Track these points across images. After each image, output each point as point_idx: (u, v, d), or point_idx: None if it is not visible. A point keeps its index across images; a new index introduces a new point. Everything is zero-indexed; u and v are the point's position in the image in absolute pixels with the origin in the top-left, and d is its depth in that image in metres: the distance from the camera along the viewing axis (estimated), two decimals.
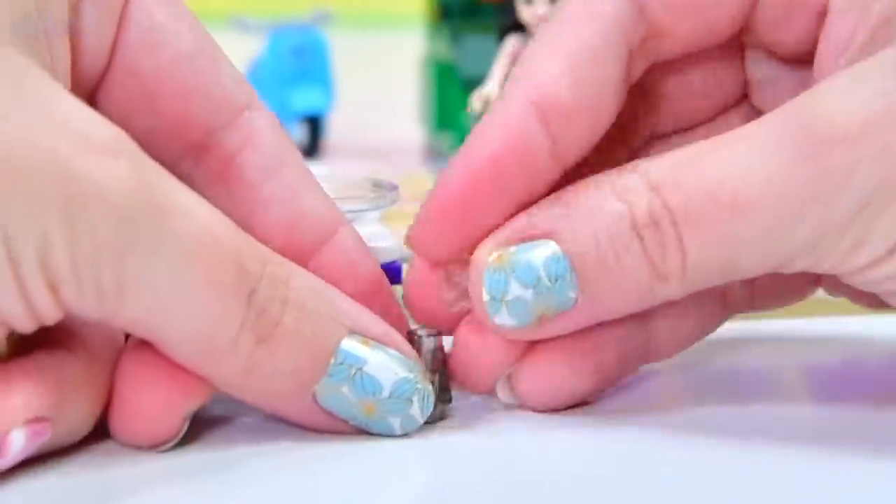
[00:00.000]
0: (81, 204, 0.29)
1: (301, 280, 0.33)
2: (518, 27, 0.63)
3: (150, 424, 0.32)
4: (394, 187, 0.41)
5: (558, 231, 0.33)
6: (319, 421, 0.33)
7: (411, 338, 0.35)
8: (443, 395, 0.35)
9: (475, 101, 0.63)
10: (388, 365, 0.33)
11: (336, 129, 0.80)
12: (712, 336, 0.38)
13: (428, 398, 0.34)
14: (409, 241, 0.35)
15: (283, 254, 0.33)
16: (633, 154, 0.38)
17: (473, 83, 0.66)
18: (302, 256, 0.35)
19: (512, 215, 0.34)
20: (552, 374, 0.35)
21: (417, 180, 0.69)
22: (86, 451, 0.33)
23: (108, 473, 0.32)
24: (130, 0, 0.34)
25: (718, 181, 0.32)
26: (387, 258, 0.40)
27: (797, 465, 0.33)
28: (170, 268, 0.30)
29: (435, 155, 0.77)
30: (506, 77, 0.62)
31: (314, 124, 0.77)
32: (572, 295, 0.33)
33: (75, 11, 0.33)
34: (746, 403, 0.38)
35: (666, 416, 0.36)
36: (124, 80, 0.34)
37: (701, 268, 0.33)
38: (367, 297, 0.35)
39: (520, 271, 0.34)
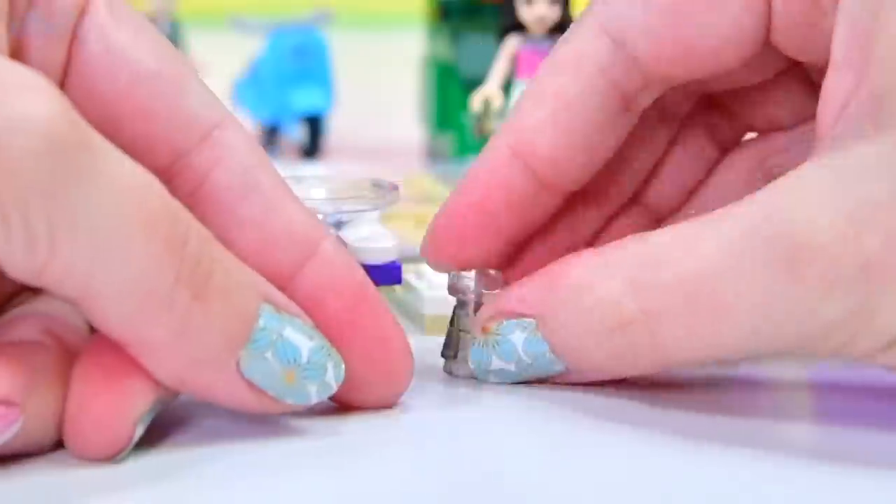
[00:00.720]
0: (2, 138, 0.28)
1: (220, 244, 0.32)
2: (518, 27, 0.63)
3: (99, 429, 0.31)
4: (394, 187, 0.41)
5: (541, 316, 0.35)
6: (241, 393, 0.32)
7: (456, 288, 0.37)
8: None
9: (475, 101, 0.63)
10: (302, 331, 0.33)
11: (336, 129, 0.80)
12: None
13: (339, 364, 0.33)
14: (424, 251, 0.38)
15: (263, 274, 0.33)
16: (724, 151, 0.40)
17: (473, 83, 0.66)
18: (283, 277, 0.34)
19: (507, 243, 0.37)
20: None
21: (417, 180, 0.69)
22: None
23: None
24: (85, 18, 0.33)
25: (694, 283, 0.33)
26: (387, 258, 0.41)
27: (796, 466, 0.33)
28: (103, 207, 0.29)
29: (435, 155, 0.77)
30: (506, 77, 0.63)
31: (314, 124, 0.77)
32: (556, 368, 0.36)
33: (20, 20, 0.32)
34: (746, 406, 0.38)
35: (661, 414, 0.36)
36: (80, 103, 0.32)
37: (678, 361, 0.34)
38: (356, 308, 0.34)
39: (500, 349, 0.36)
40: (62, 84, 0.33)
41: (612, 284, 0.34)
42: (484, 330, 0.36)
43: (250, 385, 0.32)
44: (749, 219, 0.33)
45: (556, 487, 0.32)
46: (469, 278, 0.38)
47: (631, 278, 0.34)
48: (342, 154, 0.78)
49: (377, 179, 0.41)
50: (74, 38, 0.33)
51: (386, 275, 0.40)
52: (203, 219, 0.33)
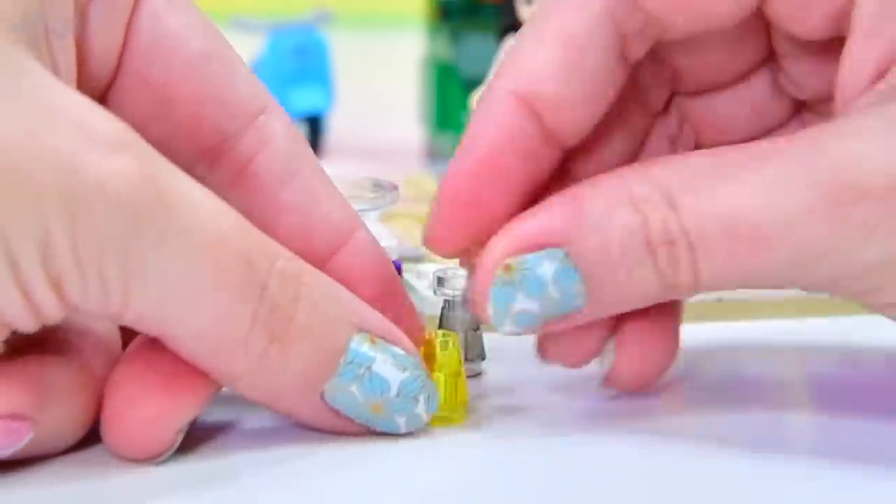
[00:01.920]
0: (83, 199, 0.29)
1: (311, 277, 0.32)
2: (518, 27, 0.63)
3: (142, 436, 0.32)
4: (394, 187, 0.41)
5: (570, 241, 0.33)
6: (325, 419, 0.33)
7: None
8: (479, 352, 0.37)
9: (475, 100, 0.63)
10: (395, 363, 0.33)
11: (336, 129, 0.80)
12: (712, 337, 0.38)
13: (433, 396, 0.34)
14: (425, 239, 0.35)
15: (301, 258, 0.33)
16: (653, 118, 0.38)
17: (473, 83, 0.66)
18: (319, 260, 0.34)
19: (520, 202, 0.34)
20: (643, 359, 0.36)
21: (417, 180, 0.69)
22: (81, 461, 0.32)
23: (103, 483, 0.32)
24: (140, 5, 0.34)
25: (738, 212, 0.32)
26: None
27: (796, 470, 0.33)
28: (175, 262, 0.30)
29: (435, 155, 0.77)
30: None
31: (314, 124, 0.77)
32: (578, 303, 0.33)
33: (82, 14, 0.33)
34: (746, 406, 0.38)
35: (666, 420, 0.36)
36: (135, 87, 0.34)
37: (712, 285, 0.33)
38: (383, 299, 0.35)
39: (528, 285, 0.33)
40: (118, 70, 0.34)
41: (654, 203, 0.32)
42: (506, 268, 0.33)
43: (336, 412, 0.33)
44: (797, 156, 0.32)
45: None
46: (461, 276, 0.36)
47: (672, 198, 0.32)
48: (342, 154, 0.78)
49: (377, 179, 0.41)
50: (130, 24, 0.34)
51: None
52: (246, 201, 0.34)
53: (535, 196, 0.35)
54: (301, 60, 0.77)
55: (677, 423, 0.36)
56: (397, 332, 0.34)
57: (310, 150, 0.36)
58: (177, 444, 0.33)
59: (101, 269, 0.30)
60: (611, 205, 0.33)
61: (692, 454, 0.34)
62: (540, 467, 0.34)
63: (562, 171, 0.36)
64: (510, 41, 0.63)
